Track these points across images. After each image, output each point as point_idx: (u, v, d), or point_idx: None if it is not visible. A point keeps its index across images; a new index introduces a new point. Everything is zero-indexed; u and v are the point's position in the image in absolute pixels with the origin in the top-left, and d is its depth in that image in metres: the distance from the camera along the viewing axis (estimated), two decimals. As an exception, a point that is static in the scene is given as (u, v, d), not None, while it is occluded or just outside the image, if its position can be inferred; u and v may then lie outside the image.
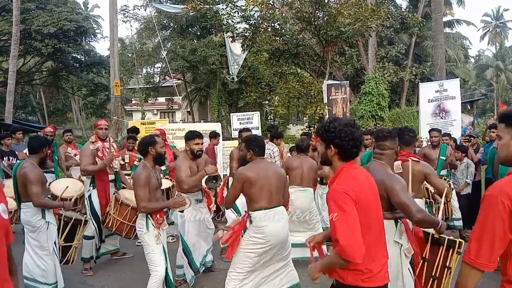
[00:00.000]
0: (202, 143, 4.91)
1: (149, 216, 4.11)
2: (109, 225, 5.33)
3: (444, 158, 6.55)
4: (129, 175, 7.27)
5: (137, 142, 8.03)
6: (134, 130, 7.88)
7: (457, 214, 6.48)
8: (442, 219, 3.65)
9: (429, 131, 6.90)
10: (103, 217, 5.46)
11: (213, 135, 8.68)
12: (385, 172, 3.25)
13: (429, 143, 6.88)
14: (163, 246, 4.18)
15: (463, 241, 3.16)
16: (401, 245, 3.28)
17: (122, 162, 6.22)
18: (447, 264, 3.17)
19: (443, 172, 6.69)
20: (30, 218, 4.44)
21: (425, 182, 4.34)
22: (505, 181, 1.89)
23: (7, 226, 1.92)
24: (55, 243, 4.59)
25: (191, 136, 4.86)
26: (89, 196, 5.58)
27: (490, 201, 1.82)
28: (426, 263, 3.29)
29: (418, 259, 3.32)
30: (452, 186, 6.22)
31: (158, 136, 4.86)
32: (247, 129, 6.78)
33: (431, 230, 3.31)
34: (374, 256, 2.37)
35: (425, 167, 4.15)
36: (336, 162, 2.46)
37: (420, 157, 4.75)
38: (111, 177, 5.76)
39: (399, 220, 3.31)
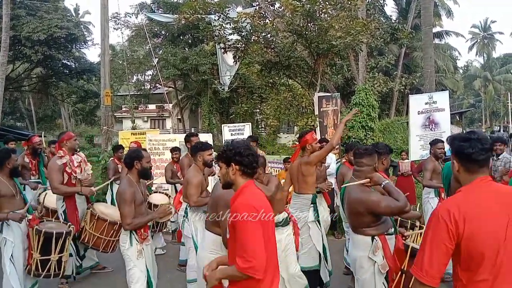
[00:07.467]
0: (211, 154, 4.97)
1: (133, 231, 4.04)
2: (85, 240, 5.23)
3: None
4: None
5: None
6: (119, 147, 8.31)
7: None
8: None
9: (433, 143, 6.36)
10: (78, 233, 5.29)
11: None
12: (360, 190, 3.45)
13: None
14: (145, 262, 4.11)
15: None
16: (375, 261, 3.37)
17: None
18: None
19: None
20: None
21: None
22: (451, 198, 2.11)
23: None
24: (11, 259, 4.50)
25: (204, 147, 4.94)
26: (64, 212, 5.34)
27: (433, 218, 2.00)
28: (404, 274, 3.34)
29: (393, 275, 3.40)
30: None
31: (145, 150, 4.75)
32: (194, 134, 6.79)
33: (412, 243, 3.44)
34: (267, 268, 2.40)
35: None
36: (238, 180, 2.55)
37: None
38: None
39: (375, 237, 3.41)
